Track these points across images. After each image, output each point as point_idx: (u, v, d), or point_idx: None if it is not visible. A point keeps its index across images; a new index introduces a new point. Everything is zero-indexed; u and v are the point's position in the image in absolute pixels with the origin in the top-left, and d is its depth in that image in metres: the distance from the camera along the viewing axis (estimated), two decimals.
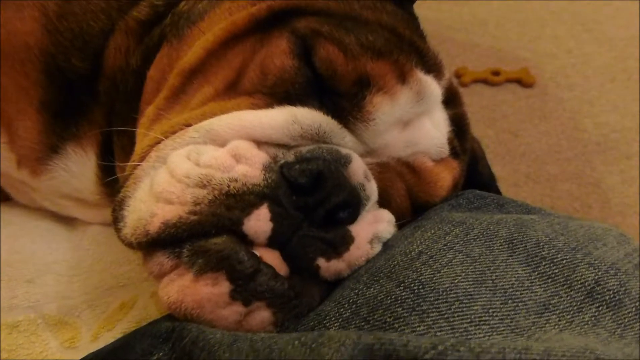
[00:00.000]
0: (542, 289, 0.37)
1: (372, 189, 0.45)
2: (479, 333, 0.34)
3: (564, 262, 0.39)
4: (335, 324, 0.38)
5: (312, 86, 0.46)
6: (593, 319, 0.35)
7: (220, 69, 0.48)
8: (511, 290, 0.37)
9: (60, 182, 0.60)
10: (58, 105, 0.57)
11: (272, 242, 0.41)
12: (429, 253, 0.39)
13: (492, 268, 0.38)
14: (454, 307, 0.35)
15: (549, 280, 0.38)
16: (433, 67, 0.52)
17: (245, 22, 0.49)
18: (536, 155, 1.17)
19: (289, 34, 0.47)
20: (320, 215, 0.42)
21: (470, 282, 0.37)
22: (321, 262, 0.42)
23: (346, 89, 0.46)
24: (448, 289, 0.36)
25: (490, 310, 0.35)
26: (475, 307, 0.35)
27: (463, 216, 0.44)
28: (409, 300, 0.36)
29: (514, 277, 0.38)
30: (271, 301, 0.40)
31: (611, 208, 1.07)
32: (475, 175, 0.63)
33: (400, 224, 0.49)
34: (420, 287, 0.36)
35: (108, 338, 0.53)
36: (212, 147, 0.43)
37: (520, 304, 0.36)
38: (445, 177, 0.51)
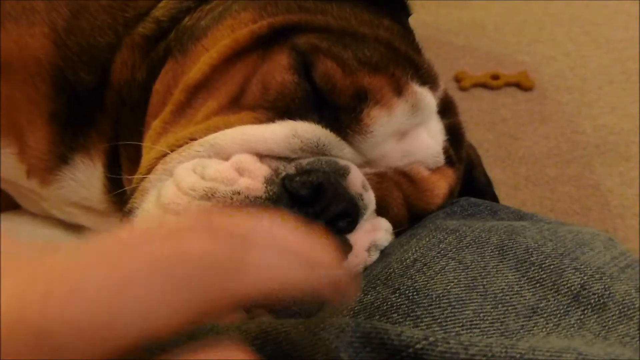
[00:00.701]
0: (531, 294, 0.39)
1: (370, 199, 0.47)
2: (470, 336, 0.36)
3: (552, 267, 0.40)
4: (336, 328, 0.39)
5: (312, 100, 0.48)
6: (579, 321, 0.37)
7: (223, 84, 0.50)
8: (501, 295, 0.39)
9: (69, 191, 0.62)
10: (67, 117, 0.59)
11: None
12: (423, 260, 0.41)
13: (483, 274, 0.40)
14: (446, 312, 0.37)
15: (538, 285, 0.39)
16: (428, 79, 0.53)
17: (247, 38, 0.50)
18: (536, 158, 1.18)
19: (289, 50, 0.49)
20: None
21: (462, 288, 0.39)
22: None
23: (344, 103, 0.48)
24: (441, 295, 0.38)
25: (481, 315, 0.37)
26: (467, 312, 0.37)
27: (457, 224, 0.46)
28: (404, 306, 0.37)
29: (504, 282, 0.40)
30: (272, 308, 0.42)
31: (611, 210, 1.08)
32: (472, 181, 0.64)
33: (398, 232, 0.50)
34: (415, 293, 0.38)
35: None
36: (216, 161, 0.44)
37: (510, 308, 0.38)
38: (441, 185, 0.53)
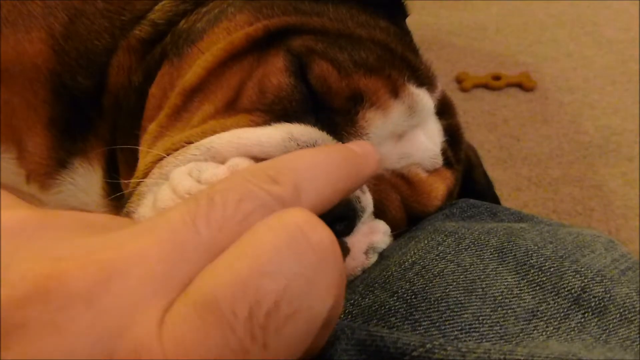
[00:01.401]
0: (531, 297, 0.38)
1: (367, 201, 0.47)
2: (469, 340, 0.36)
3: (552, 270, 0.40)
4: (332, 334, 0.39)
5: (308, 103, 0.48)
6: (579, 325, 0.37)
7: (219, 87, 0.50)
8: (500, 298, 0.38)
9: (68, 196, 0.62)
10: (65, 121, 0.59)
11: None
12: (421, 263, 0.41)
13: (482, 277, 0.39)
14: (445, 315, 0.37)
15: (537, 287, 0.39)
16: (425, 80, 0.53)
17: (243, 41, 0.50)
18: (538, 159, 1.18)
19: (285, 52, 0.49)
20: None
21: (461, 291, 0.38)
22: None
23: (340, 105, 0.48)
24: (439, 299, 0.37)
25: (480, 318, 0.37)
26: (466, 315, 0.37)
27: (456, 226, 0.45)
28: (402, 310, 0.37)
29: (504, 285, 0.39)
30: None
31: (613, 211, 1.07)
32: (471, 183, 0.64)
33: (396, 234, 0.50)
34: (413, 297, 0.38)
35: None
36: (212, 165, 0.44)
37: (509, 312, 0.37)
38: (439, 187, 0.52)
